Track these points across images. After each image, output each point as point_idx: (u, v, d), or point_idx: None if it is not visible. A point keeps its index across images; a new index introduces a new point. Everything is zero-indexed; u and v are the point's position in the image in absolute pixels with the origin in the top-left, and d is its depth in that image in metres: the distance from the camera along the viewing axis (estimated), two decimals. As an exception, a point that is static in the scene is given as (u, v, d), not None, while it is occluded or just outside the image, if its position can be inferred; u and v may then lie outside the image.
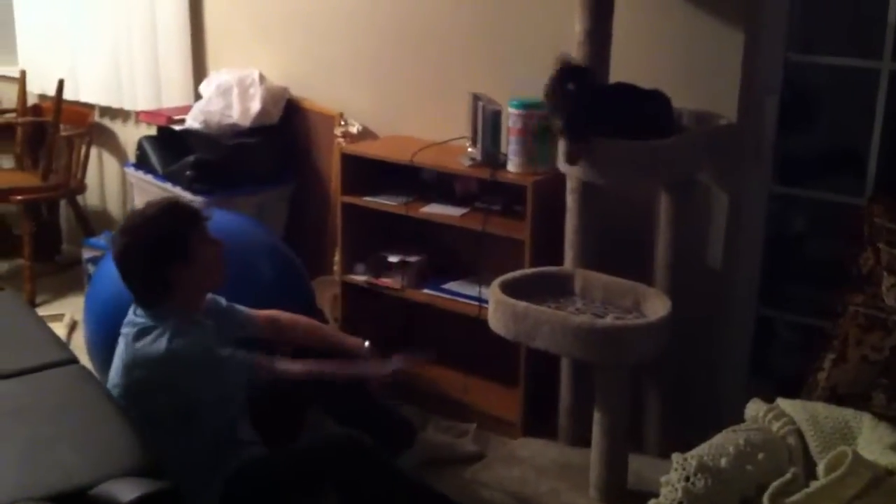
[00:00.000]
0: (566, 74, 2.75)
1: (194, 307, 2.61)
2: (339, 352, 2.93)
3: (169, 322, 2.49)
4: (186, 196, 3.80)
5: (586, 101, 2.75)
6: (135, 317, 2.55)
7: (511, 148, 3.19)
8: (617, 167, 2.79)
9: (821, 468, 2.00)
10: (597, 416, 2.85)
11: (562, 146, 2.83)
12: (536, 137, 3.13)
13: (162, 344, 2.45)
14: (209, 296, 2.70)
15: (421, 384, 3.50)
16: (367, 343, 2.97)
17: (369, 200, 3.50)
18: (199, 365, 2.48)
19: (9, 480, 2.05)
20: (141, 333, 2.49)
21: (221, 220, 3.28)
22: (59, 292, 4.59)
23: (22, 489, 2.01)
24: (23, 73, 4.93)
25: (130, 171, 4.26)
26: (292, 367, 2.67)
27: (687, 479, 2.00)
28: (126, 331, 2.55)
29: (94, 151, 4.84)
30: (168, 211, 2.57)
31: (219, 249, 2.61)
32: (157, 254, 2.50)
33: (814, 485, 1.95)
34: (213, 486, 2.51)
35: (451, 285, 3.48)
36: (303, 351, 2.84)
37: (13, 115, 4.95)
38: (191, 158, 3.87)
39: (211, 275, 2.61)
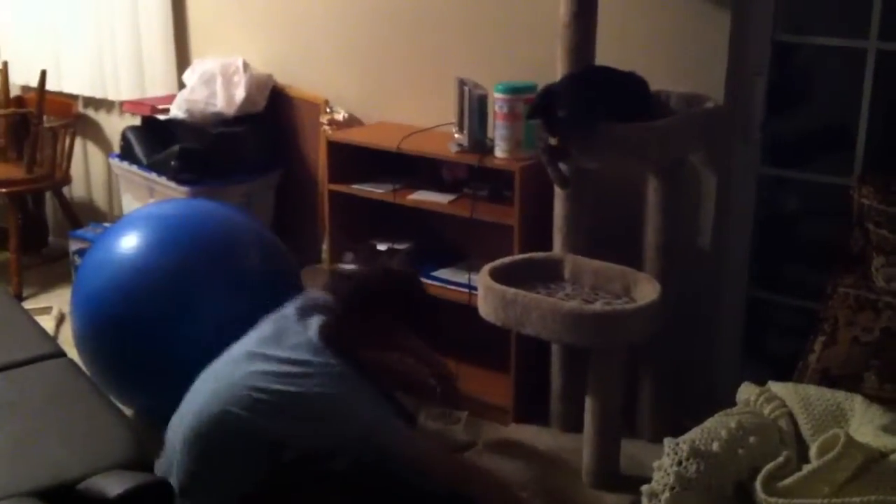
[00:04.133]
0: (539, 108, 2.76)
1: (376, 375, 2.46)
2: None
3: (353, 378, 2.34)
4: (171, 186, 3.78)
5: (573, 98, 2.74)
6: (308, 338, 2.35)
7: (498, 133, 3.17)
8: (608, 150, 2.78)
9: (813, 451, 1.99)
10: (588, 402, 2.84)
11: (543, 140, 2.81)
12: (523, 122, 3.11)
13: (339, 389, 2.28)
14: None
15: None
16: None
17: (357, 188, 3.48)
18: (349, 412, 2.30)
19: (-4, 476, 2.04)
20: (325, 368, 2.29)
21: (208, 209, 3.29)
22: (47, 285, 4.56)
23: (9, 484, 2.00)
24: (4, 64, 4.88)
25: (115, 161, 4.22)
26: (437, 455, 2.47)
27: (679, 463, 1.99)
28: (307, 358, 2.29)
29: (78, 142, 4.80)
30: (407, 291, 2.52)
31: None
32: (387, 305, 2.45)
33: (806, 468, 1.95)
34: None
35: (441, 272, 3.47)
36: None
37: (-4, 107, 4.91)
38: (175, 148, 3.83)
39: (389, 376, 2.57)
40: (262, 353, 2.31)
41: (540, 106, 2.76)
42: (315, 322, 2.40)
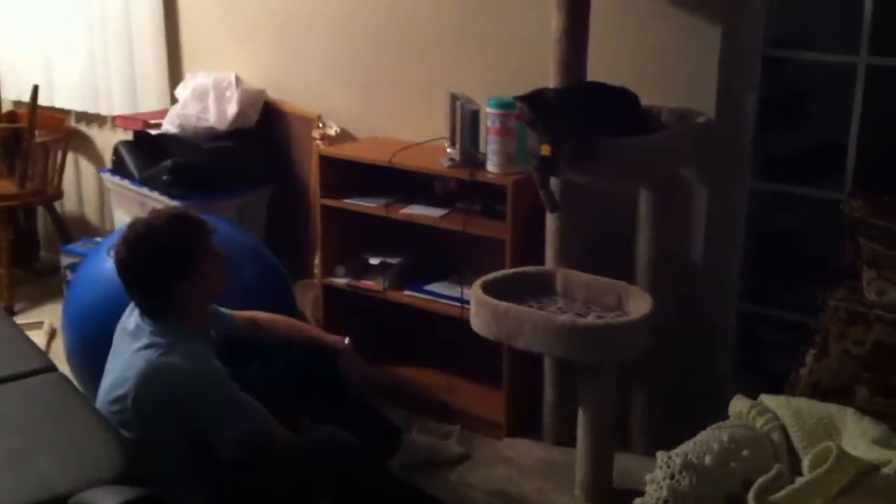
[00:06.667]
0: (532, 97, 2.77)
1: (199, 319, 2.59)
2: (320, 347, 2.92)
3: (184, 342, 2.45)
4: (163, 201, 3.78)
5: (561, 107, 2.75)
6: (143, 323, 2.50)
7: (490, 148, 3.18)
8: (599, 165, 2.78)
9: (805, 464, 2.00)
10: (581, 416, 2.84)
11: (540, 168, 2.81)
12: (516, 137, 3.12)
13: (186, 365, 2.40)
14: None
15: (405, 386, 3.49)
16: (346, 339, 2.96)
17: (349, 203, 3.49)
18: (218, 395, 2.44)
19: (-14, 491, 2.03)
20: (165, 349, 2.42)
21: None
22: (38, 300, 4.55)
23: (0, 499, 1.98)
24: (-4, 79, 4.90)
25: (107, 176, 4.22)
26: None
27: (672, 476, 1.99)
28: (142, 343, 2.46)
29: (70, 157, 4.80)
30: (173, 223, 2.50)
31: (222, 261, 2.59)
32: (160, 268, 2.46)
33: (799, 481, 1.95)
34: (203, 489, 2.48)
35: (433, 286, 3.47)
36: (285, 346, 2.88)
37: (-12, 121, 4.91)
38: (168, 163, 3.84)
39: (214, 287, 2.59)
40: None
41: (533, 100, 2.76)
42: (135, 313, 2.55)
